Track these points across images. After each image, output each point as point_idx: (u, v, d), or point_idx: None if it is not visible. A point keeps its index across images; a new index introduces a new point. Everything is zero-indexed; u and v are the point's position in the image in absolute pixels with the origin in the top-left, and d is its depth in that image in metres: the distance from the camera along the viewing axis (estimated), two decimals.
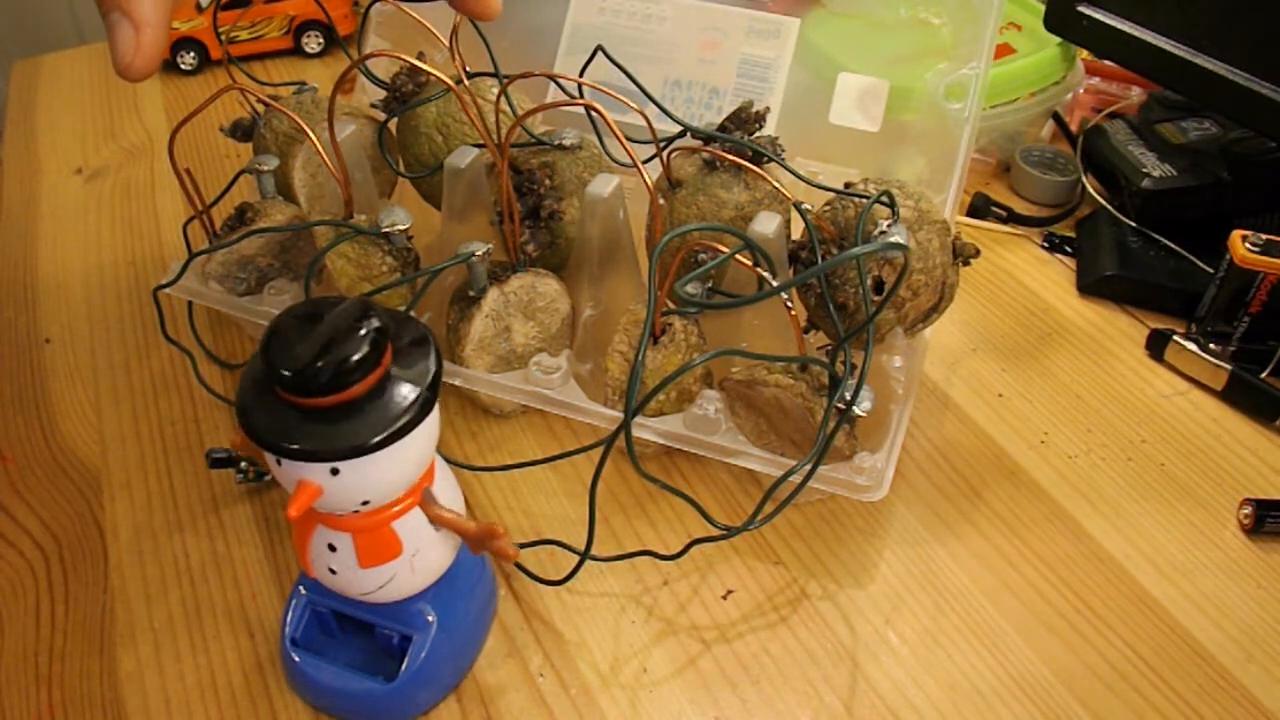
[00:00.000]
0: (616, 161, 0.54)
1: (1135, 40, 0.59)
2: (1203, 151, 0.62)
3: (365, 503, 0.34)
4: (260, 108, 0.58)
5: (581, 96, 0.51)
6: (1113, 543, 0.47)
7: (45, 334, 0.60)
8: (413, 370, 0.34)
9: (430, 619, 0.39)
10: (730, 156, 0.47)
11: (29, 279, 0.65)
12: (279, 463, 0.33)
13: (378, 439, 0.32)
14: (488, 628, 0.43)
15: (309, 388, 0.32)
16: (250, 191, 0.55)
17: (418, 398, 0.33)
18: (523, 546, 0.46)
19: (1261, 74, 0.54)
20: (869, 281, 0.44)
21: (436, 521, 0.37)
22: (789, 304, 0.44)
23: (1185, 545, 0.47)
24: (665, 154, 0.48)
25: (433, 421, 0.34)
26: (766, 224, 0.46)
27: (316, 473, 0.32)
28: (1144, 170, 0.62)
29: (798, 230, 0.47)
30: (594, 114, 0.45)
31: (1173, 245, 0.61)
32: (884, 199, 0.44)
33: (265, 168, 0.53)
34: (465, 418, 0.54)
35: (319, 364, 0.31)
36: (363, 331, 0.32)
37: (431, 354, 0.34)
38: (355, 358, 0.32)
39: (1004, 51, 0.67)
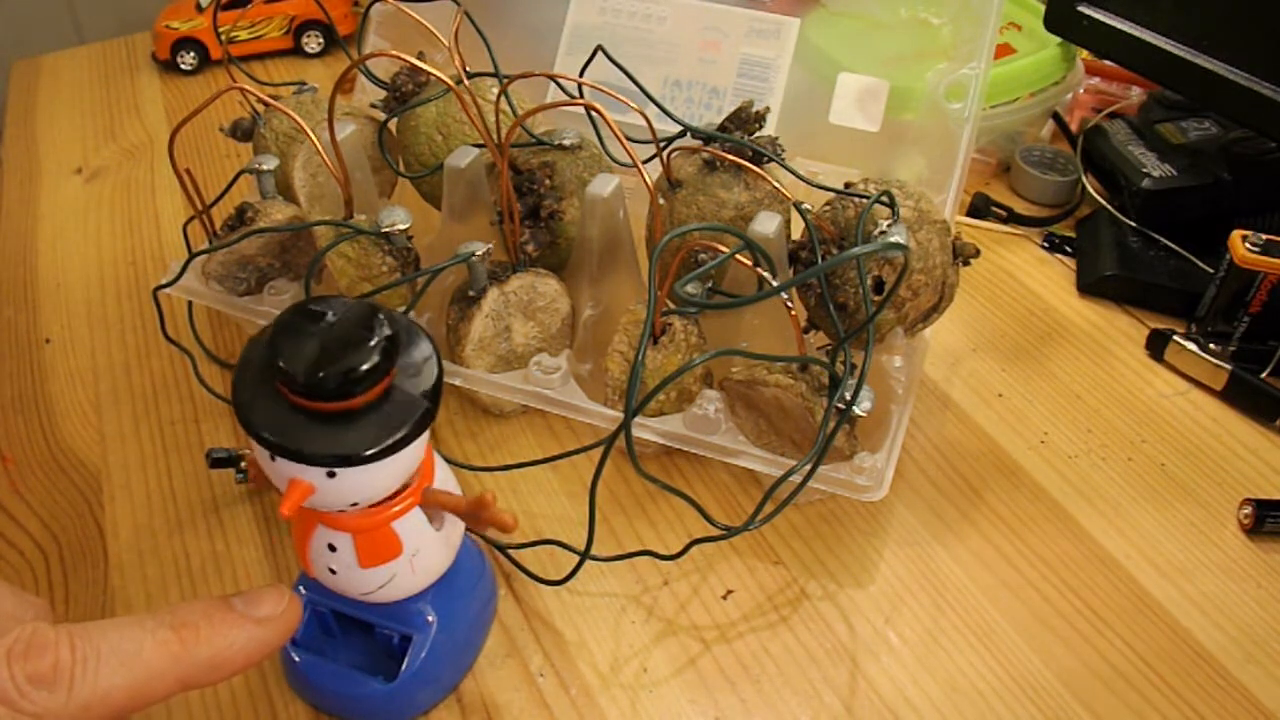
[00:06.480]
0: (616, 161, 0.54)
1: (1135, 40, 0.59)
2: (1203, 151, 0.62)
3: (354, 504, 0.34)
4: (260, 108, 0.58)
5: (581, 96, 0.51)
6: (1113, 543, 0.47)
7: (45, 334, 0.60)
8: (416, 379, 0.33)
9: (430, 619, 0.39)
10: (730, 156, 0.47)
11: (29, 279, 0.65)
12: (272, 458, 0.33)
13: (379, 449, 0.32)
14: (488, 628, 0.43)
15: (316, 392, 0.31)
16: (250, 191, 0.55)
17: (420, 409, 0.33)
18: (522, 546, 0.46)
19: (1261, 74, 0.54)
20: (869, 281, 0.44)
21: (430, 504, 0.37)
22: (789, 304, 0.44)
23: (1185, 545, 0.47)
24: (665, 154, 0.48)
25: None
26: (766, 224, 0.46)
27: (312, 474, 0.32)
28: (1144, 170, 0.62)
29: (798, 230, 0.47)
30: (594, 114, 0.45)
31: (1173, 245, 0.61)
32: (884, 199, 0.44)
33: (265, 168, 0.53)
34: (465, 418, 0.54)
35: (329, 370, 0.31)
36: (374, 340, 0.32)
37: (434, 362, 0.34)
38: (365, 366, 0.31)
39: (1004, 51, 0.67)
